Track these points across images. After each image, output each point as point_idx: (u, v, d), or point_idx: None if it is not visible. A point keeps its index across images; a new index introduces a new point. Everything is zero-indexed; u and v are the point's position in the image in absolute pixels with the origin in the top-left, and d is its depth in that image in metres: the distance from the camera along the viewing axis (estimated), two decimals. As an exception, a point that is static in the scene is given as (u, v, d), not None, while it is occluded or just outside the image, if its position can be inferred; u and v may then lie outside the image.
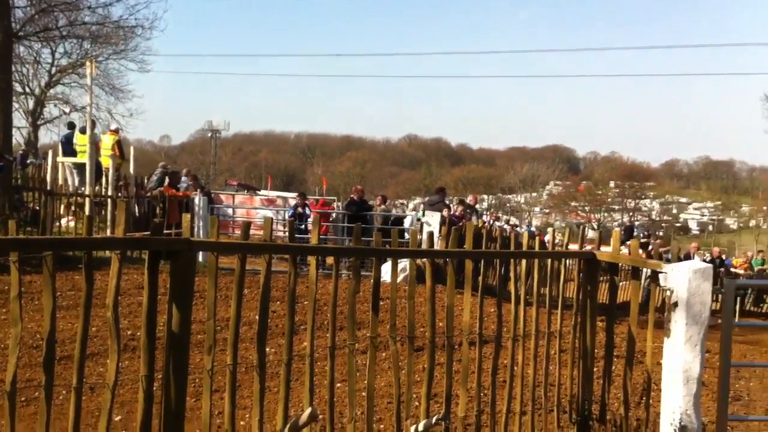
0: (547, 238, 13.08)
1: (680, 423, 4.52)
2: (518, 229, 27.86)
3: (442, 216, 14.25)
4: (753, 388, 7.60)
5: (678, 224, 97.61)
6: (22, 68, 30.90)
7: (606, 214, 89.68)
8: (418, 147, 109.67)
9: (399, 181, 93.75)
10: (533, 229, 35.03)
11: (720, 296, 4.88)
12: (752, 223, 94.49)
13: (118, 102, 32.42)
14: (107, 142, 17.09)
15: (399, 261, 4.91)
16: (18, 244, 3.18)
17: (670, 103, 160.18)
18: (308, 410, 3.79)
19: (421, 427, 4.49)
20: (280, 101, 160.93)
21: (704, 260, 19.29)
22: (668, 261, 16.45)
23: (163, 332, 3.45)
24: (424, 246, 5.05)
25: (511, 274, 5.34)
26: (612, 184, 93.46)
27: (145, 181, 17.49)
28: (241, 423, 5.51)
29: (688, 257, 20.46)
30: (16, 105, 28.69)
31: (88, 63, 16.44)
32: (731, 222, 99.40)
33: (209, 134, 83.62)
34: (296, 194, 18.71)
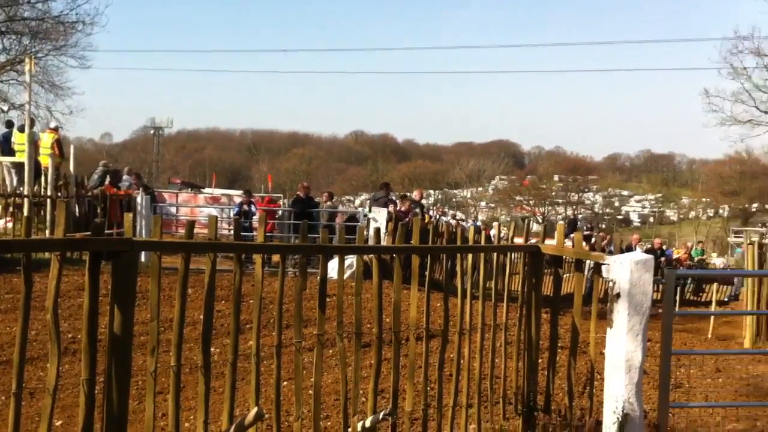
0: (493, 232, 13.19)
1: (623, 411, 4.63)
2: (464, 223, 28.05)
3: (388, 212, 14.30)
4: (693, 375, 7.80)
5: (620, 216, 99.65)
6: (-43, 65, 29.86)
7: (550, 208, 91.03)
8: (364, 143, 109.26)
9: (345, 178, 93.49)
10: (479, 223, 35.27)
11: (661, 286, 5.02)
12: (692, 214, 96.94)
13: (58, 99, 31.49)
14: (46, 140, 16.65)
15: (346, 257, 4.90)
16: (-51, 247, 3.08)
17: (613, 98, 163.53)
18: (254, 410, 3.77)
19: (368, 423, 4.50)
20: (224, 98, 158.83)
21: (646, 251, 19.75)
22: (611, 253, 16.81)
23: (105, 334, 3.38)
24: (371, 242, 5.05)
25: (458, 269, 5.40)
26: (556, 178, 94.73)
27: (86, 180, 17.07)
28: (186, 425, 5.44)
29: (629, 249, 20.96)
30: (-49, 103, 27.71)
31: (27, 59, 15.94)
32: (672, 214, 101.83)
33: (152, 131, 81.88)
34: (241, 192, 18.52)
